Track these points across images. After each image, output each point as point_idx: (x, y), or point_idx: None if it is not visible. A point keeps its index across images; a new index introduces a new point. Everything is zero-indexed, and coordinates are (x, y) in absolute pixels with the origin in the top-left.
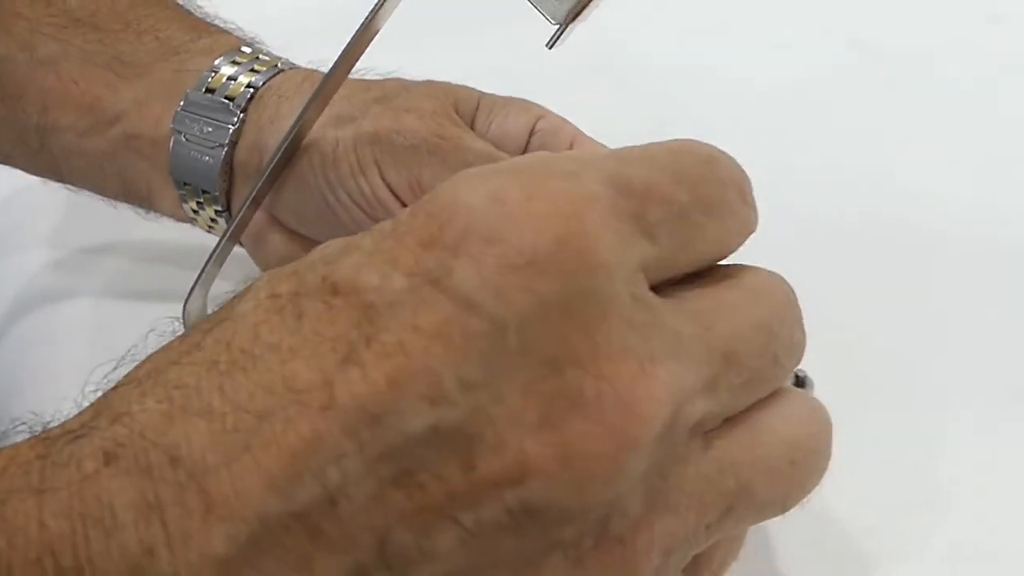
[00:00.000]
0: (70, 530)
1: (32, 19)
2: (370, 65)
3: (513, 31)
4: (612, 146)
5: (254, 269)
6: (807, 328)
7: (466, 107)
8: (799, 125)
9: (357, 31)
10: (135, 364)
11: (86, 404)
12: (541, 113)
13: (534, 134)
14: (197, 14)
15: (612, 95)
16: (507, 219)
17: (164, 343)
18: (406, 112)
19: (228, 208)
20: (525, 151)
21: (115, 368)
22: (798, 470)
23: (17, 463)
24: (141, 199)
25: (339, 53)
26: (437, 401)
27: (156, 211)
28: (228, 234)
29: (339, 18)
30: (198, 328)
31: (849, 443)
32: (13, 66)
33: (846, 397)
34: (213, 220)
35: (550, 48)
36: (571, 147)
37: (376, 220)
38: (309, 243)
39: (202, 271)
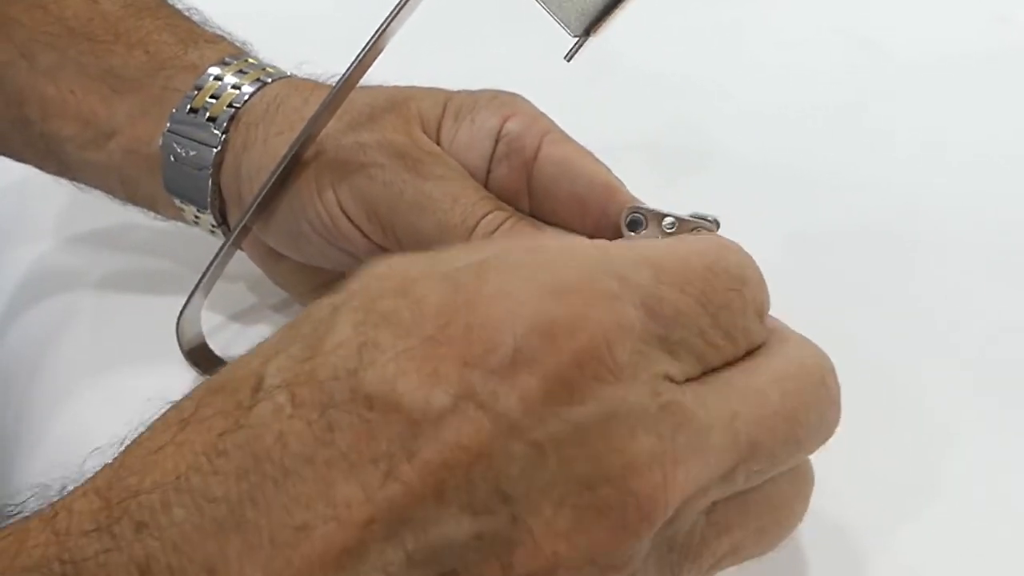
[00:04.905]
0: None
1: (30, 26)
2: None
3: (517, 38)
4: (612, 149)
5: (252, 271)
6: (808, 327)
7: (431, 117)
8: (802, 125)
9: (352, 64)
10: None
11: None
12: (510, 112)
13: (500, 140)
14: (194, 18)
15: (614, 98)
16: (551, 351)
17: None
18: (370, 144)
19: (225, 221)
20: (491, 160)
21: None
22: (782, 528)
23: (31, 556)
24: (146, 205)
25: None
26: (479, 512)
27: (162, 215)
28: (215, 261)
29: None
30: (210, 425)
31: (851, 443)
32: (15, 72)
33: (848, 398)
34: (214, 227)
35: (568, 61)
36: (539, 148)
37: (341, 248)
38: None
39: (191, 294)
